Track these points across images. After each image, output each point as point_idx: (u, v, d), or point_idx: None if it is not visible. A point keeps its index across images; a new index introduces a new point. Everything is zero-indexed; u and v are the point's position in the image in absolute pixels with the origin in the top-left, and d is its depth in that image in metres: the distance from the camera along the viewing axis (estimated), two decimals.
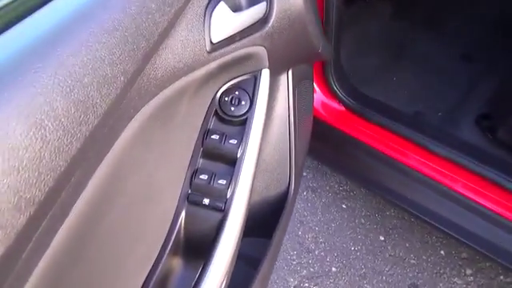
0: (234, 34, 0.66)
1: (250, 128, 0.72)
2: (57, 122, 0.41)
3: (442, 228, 1.34)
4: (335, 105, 1.43)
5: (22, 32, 0.45)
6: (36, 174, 0.39)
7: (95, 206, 0.52)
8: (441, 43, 1.80)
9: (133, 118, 0.55)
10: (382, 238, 1.62)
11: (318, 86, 1.41)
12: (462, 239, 1.31)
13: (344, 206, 1.71)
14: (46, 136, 0.40)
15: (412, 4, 1.91)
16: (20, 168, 0.38)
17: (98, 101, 0.45)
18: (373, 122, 1.38)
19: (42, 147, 0.39)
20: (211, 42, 0.63)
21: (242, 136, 0.71)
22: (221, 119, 0.72)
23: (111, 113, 0.48)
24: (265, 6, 0.69)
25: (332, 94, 1.42)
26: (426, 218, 1.37)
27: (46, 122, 0.40)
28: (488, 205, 1.23)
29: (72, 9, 0.48)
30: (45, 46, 0.43)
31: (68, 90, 0.42)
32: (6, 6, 0.48)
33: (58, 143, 0.41)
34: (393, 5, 1.90)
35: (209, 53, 0.63)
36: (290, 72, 0.86)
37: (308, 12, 0.74)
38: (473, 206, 1.25)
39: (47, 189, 0.40)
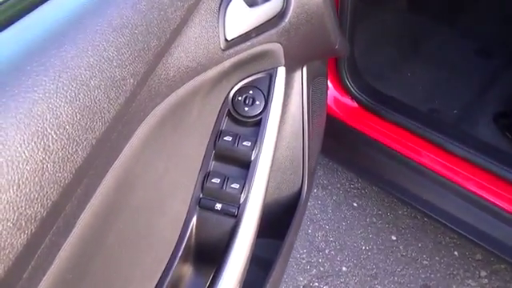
0: (250, 31, 0.63)
1: (264, 129, 0.69)
2: (60, 130, 0.37)
3: (457, 229, 1.31)
4: (348, 101, 1.40)
5: (21, 30, 0.41)
6: (38, 187, 0.35)
7: (102, 216, 0.48)
8: (456, 38, 1.75)
9: (143, 121, 0.51)
10: (393, 238, 1.59)
11: (331, 81, 1.38)
12: (477, 240, 1.28)
13: (355, 205, 1.67)
14: (48, 146, 0.36)
15: None
16: (20, 182, 0.34)
17: (106, 105, 0.41)
18: (386, 119, 1.35)
19: (44, 158, 0.36)
20: (226, 39, 0.60)
21: (256, 138, 0.68)
22: (234, 120, 0.69)
23: (120, 117, 0.44)
24: (282, 0, 0.65)
25: (345, 90, 1.39)
26: (440, 219, 1.34)
27: (48, 130, 0.36)
28: (505, 206, 1.20)
29: (77, 4, 0.45)
30: (47, 46, 0.40)
31: (73, 94, 0.39)
32: (5, 1, 0.44)
33: (62, 153, 0.37)
34: None
35: (223, 51, 0.60)
36: (305, 68, 0.83)
37: (326, 7, 0.70)
38: (489, 206, 1.22)
39: (50, 203, 0.36)
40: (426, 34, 1.76)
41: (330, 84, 1.38)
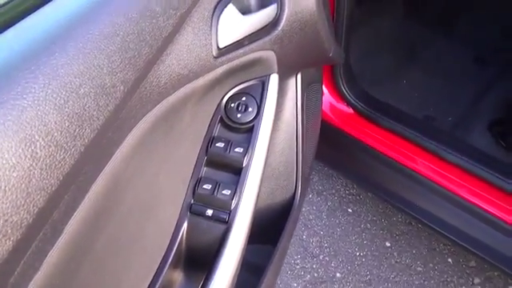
0: (243, 38, 0.63)
1: (256, 136, 0.69)
2: (49, 138, 0.37)
3: (451, 236, 1.31)
4: (343, 107, 1.40)
5: (12, 38, 0.42)
6: (24, 194, 0.35)
7: (91, 222, 0.48)
8: (453, 45, 1.76)
9: (133, 128, 0.52)
10: (388, 244, 1.59)
11: (327, 87, 1.38)
12: (471, 248, 1.28)
13: (350, 211, 1.67)
14: (36, 153, 0.36)
15: (423, 3, 1.86)
16: (6, 189, 0.34)
17: (95, 113, 0.42)
18: (382, 125, 1.36)
19: (31, 165, 0.36)
20: (218, 46, 0.60)
21: (248, 144, 0.68)
22: (226, 126, 0.69)
23: (110, 124, 0.45)
24: (275, 9, 0.66)
25: (340, 97, 1.39)
26: (434, 226, 1.34)
27: (36, 137, 0.37)
28: (499, 214, 1.20)
29: (68, 12, 0.45)
30: (38, 53, 0.40)
31: (62, 101, 0.39)
32: None
33: (49, 160, 0.37)
34: (404, 4, 1.86)
35: (215, 58, 0.60)
36: (299, 75, 0.83)
37: (320, 15, 0.71)
38: (483, 214, 1.22)
39: (37, 210, 0.36)
40: (422, 41, 1.76)
41: (325, 90, 1.38)
